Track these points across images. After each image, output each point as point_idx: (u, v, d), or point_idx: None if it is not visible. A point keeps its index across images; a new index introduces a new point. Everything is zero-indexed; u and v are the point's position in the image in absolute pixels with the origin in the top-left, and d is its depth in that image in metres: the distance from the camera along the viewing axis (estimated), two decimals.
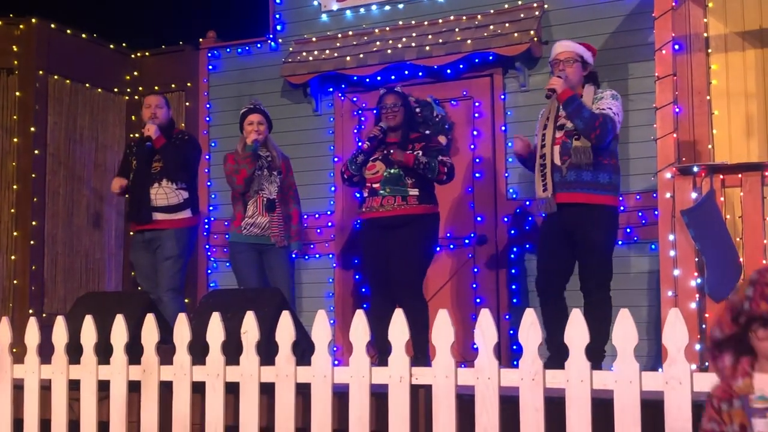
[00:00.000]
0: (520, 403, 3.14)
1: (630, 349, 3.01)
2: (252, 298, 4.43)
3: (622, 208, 5.34)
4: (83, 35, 7.40)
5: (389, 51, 6.56)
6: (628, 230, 5.82)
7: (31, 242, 6.82)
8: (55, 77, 7.15)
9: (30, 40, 7.01)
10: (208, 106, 7.39)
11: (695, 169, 4.64)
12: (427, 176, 5.37)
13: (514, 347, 5.83)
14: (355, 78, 6.75)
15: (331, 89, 6.94)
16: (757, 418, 2.16)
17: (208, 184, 7.24)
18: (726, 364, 2.25)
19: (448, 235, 6.36)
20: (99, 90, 7.51)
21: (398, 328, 3.32)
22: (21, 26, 7.02)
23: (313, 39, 6.99)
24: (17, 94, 6.99)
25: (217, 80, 7.39)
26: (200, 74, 7.43)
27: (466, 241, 6.41)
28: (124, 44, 7.71)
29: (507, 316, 6.15)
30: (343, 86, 6.89)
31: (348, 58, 6.68)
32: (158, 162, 5.93)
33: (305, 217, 6.44)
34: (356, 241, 6.35)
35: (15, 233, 6.84)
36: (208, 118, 7.38)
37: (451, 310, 4.53)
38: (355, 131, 6.83)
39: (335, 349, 6.30)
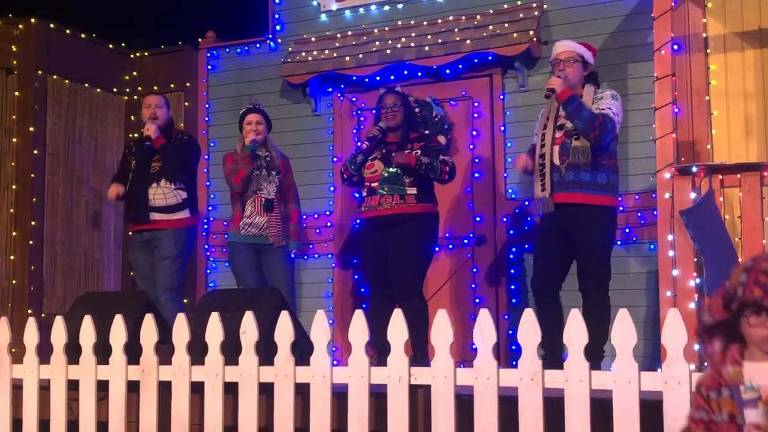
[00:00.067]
0: (519, 403, 3.14)
1: (629, 349, 3.01)
2: (251, 298, 4.43)
3: (620, 208, 5.34)
4: (82, 35, 7.39)
5: (388, 51, 6.56)
6: (627, 230, 5.82)
7: (30, 242, 6.82)
8: (54, 77, 7.15)
9: (29, 40, 7.01)
10: (207, 106, 7.39)
11: (694, 169, 4.64)
12: (429, 176, 5.38)
13: (513, 347, 5.83)
14: (354, 78, 6.75)
15: (330, 89, 6.94)
16: (748, 408, 2.15)
17: (208, 184, 7.24)
18: (715, 350, 2.24)
19: (447, 235, 6.36)
20: (98, 90, 7.51)
21: (397, 327, 3.33)
22: (20, 26, 7.02)
23: (313, 39, 6.99)
24: (16, 94, 6.99)
25: (216, 80, 7.39)
26: (199, 74, 7.43)
27: (465, 241, 6.41)
28: (123, 44, 7.71)
29: (506, 316, 6.15)
30: (342, 86, 6.89)
31: (347, 58, 6.68)
32: (157, 162, 5.93)
33: (304, 217, 6.43)
34: (355, 241, 6.35)
35: (14, 233, 6.84)
36: (207, 118, 7.37)
37: (450, 310, 4.53)
38: (355, 131, 6.83)
39: (334, 349, 6.30)
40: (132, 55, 7.73)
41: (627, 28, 6.01)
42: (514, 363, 4.75)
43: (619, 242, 5.49)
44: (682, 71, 5.24)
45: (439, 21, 6.60)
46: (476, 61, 6.38)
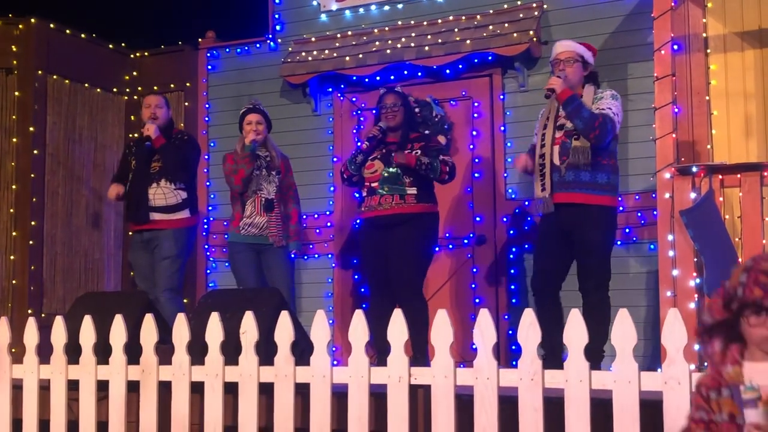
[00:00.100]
0: (519, 403, 3.14)
1: (629, 349, 3.01)
2: (251, 298, 4.43)
3: (620, 208, 5.34)
4: (82, 35, 7.39)
5: (388, 51, 6.56)
6: (627, 230, 5.82)
7: (30, 242, 6.82)
8: (54, 77, 7.15)
9: (29, 40, 7.01)
10: (207, 106, 7.38)
11: (694, 169, 4.64)
12: (429, 176, 5.38)
13: (513, 347, 5.83)
14: (354, 78, 6.75)
15: (330, 89, 6.94)
16: (748, 408, 2.15)
17: (208, 184, 7.24)
18: (715, 350, 2.24)
19: (447, 235, 6.36)
20: (98, 90, 7.51)
21: (397, 327, 3.33)
22: (20, 26, 7.02)
23: (313, 39, 6.99)
24: (16, 94, 6.99)
25: (216, 80, 7.39)
26: (199, 74, 7.43)
27: (465, 241, 6.41)
28: (123, 44, 7.71)
29: (506, 316, 6.15)
30: (342, 86, 6.89)
31: (347, 58, 6.68)
32: (157, 162, 5.93)
33: (304, 217, 6.43)
34: (355, 241, 6.35)
35: (14, 233, 6.84)
36: (207, 118, 7.37)
37: (450, 310, 4.53)
38: (355, 131, 6.83)
39: (334, 349, 6.30)
40: (132, 55, 7.73)
41: (627, 28, 6.01)
42: (514, 363, 4.75)
43: (619, 242, 5.49)
44: (682, 71, 5.24)
45: (439, 21, 6.60)
46: (476, 61, 6.38)
